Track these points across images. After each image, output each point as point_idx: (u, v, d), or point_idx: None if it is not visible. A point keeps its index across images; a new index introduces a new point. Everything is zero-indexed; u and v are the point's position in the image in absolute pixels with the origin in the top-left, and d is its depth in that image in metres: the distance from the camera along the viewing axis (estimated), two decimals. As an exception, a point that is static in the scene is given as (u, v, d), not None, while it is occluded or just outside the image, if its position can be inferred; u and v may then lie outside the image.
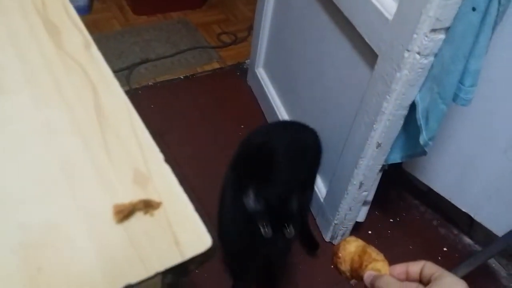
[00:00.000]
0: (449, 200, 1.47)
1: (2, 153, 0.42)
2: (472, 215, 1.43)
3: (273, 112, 1.81)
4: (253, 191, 1.03)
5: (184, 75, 2.09)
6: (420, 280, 0.58)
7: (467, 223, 1.57)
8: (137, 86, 1.97)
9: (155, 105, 1.88)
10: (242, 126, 1.87)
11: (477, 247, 1.55)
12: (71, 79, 0.50)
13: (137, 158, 0.41)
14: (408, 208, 1.67)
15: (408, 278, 0.59)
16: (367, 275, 0.60)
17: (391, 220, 1.61)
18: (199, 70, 2.14)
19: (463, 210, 1.44)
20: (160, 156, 0.41)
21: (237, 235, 1.13)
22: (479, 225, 1.45)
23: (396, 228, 1.58)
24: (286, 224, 1.01)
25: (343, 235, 1.46)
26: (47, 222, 0.35)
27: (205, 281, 1.34)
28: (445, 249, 1.55)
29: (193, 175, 1.56)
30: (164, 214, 0.37)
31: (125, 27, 2.31)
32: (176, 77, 2.07)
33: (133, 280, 0.31)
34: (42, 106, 0.47)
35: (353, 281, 0.65)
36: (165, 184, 0.39)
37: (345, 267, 0.64)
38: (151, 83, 2.01)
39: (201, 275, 1.34)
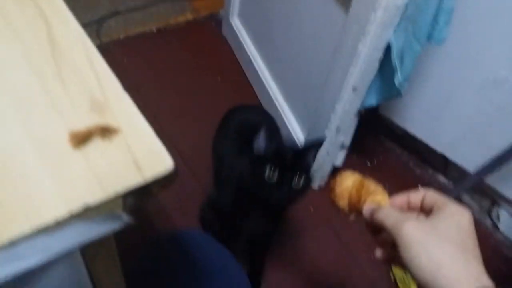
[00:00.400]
0: (424, 141, 1.49)
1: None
2: (446, 155, 1.46)
3: (250, 62, 1.78)
4: (265, 134, 0.97)
5: (157, 27, 2.03)
6: (422, 210, 0.56)
7: (442, 163, 1.61)
8: (108, 40, 1.91)
9: (128, 59, 1.83)
10: (219, 78, 1.84)
11: (452, 186, 1.59)
12: (20, 9, 0.47)
13: (93, 87, 0.40)
14: (385, 152, 1.69)
15: (409, 208, 0.57)
16: (366, 208, 0.58)
17: (368, 163, 1.64)
18: (172, 22, 2.08)
19: (438, 150, 1.47)
20: (118, 85, 0.40)
21: (238, 181, 1.06)
22: (454, 164, 1.49)
23: (374, 171, 1.61)
24: (296, 175, 0.95)
25: (321, 179, 1.48)
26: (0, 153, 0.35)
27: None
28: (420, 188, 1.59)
29: (170, 127, 1.55)
30: (124, 139, 0.36)
31: (92, -21, 2.21)
32: (149, 30, 2.01)
33: (91, 201, 0.31)
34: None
35: (352, 216, 0.63)
36: (124, 111, 0.38)
37: (343, 202, 0.62)
38: (122, 37, 1.95)
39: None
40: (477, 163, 1.29)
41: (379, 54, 1.11)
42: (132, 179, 0.33)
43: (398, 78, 1.11)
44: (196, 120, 1.66)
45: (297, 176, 0.95)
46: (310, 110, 1.39)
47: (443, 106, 1.39)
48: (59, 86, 0.40)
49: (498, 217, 1.52)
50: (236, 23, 1.90)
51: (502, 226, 1.51)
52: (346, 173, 0.64)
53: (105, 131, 0.35)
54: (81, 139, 0.35)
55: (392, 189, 1.65)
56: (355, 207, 0.60)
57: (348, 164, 1.52)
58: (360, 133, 1.41)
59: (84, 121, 0.36)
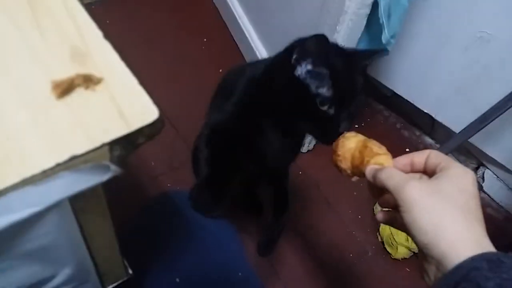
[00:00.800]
0: (412, 102, 1.50)
1: None
2: (433, 116, 1.47)
3: (236, 22, 1.74)
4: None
5: (140, -14, 1.96)
6: (425, 171, 0.55)
7: (429, 124, 1.62)
8: (90, 1, 1.84)
9: (110, 20, 1.76)
10: (205, 39, 1.80)
11: (438, 147, 1.61)
12: None
13: (73, 36, 0.39)
14: (372, 113, 1.70)
15: (412, 170, 0.56)
16: (369, 169, 0.56)
17: (356, 125, 1.64)
18: (155, -20, 2.01)
19: (425, 111, 1.47)
20: (98, 33, 0.39)
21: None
22: (440, 124, 1.50)
23: (362, 133, 1.60)
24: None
25: (310, 142, 1.49)
26: None
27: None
28: (408, 150, 1.61)
29: (155, 91, 1.52)
30: (107, 89, 0.35)
31: None
32: (130, -12, 1.94)
33: (78, 151, 0.30)
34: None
35: (355, 178, 0.62)
36: (106, 60, 0.37)
37: (345, 164, 0.60)
38: (93, -1, 1.88)
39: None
40: (464, 124, 1.30)
41: (366, 11, 1.09)
42: (117, 128, 0.32)
43: (385, 35, 1.10)
44: (183, 82, 1.64)
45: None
46: (298, 71, 1.38)
47: (430, 66, 1.39)
48: (37, 36, 0.38)
49: (483, 178, 1.55)
50: (222, -19, 1.84)
51: (486, 186, 1.55)
52: (349, 134, 0.62)
53: (88, 81, 0.34)
54: (64, 89, 0.33)
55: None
56: (358, 169, 0.59)
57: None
58: (348, 94, 1.41)
59: (66, 71, 0.35)
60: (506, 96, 1.14)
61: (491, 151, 1.43)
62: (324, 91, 0.74)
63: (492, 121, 1.19)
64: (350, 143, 0.60)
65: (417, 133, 1.67)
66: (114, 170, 0.32)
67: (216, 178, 0.96)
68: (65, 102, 0.34)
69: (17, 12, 0.40)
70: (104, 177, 0.31)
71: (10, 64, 0.36)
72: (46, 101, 0.34)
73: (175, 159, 1.40)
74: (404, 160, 0.56)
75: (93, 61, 0.36)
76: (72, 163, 0.29)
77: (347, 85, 0.76)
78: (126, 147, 0.32)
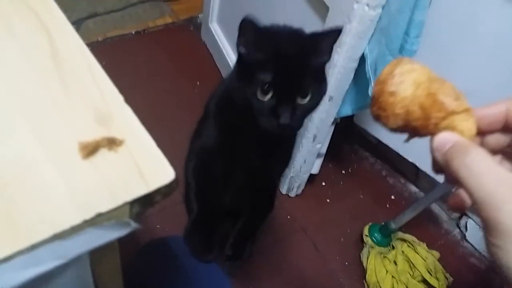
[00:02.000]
0: (396, 151, 1.55)
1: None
2: (417, 165, 1.52)
3: (228, 67, 1.80)
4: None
5: (135, 30, 2.02)
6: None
7: (413, 173, 1.67)
8: (87, 42, 1.87)
9: (106, 61, 1.80)
10: (198, 83, 1.85)
11: (422, 195, 1.66)
12: (23, 22, 0.49)
13: (96, 99, 0.42)
14: (359, 160, 1.74)
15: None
16: (439, 141, 0.36)
17: (343, 171, 1.68)
18: (150, 24, 2.08)
19: (410, 160, 1.52)
20: (120, 97, 0.42)
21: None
22: (424, 174, 1.55)
23: (348, 179, 1.66)
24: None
25: (298, 187, 1.52)
26: (13, 160, 0.37)
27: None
28: (393, 197, 1.65)
29: (149, 132, 1.55)
30: (128, 150, 0.38)
31: (70, -22, 2.19)
32: (127, 32, 2.00)
33: (103, 209, 0.33)
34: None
35: (408, 137, 0.43)
36: (127, 123, 0.41)
37: (395, 122, 0.40)
38: (100, 39, 1.94)
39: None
40: (446, 174, 1.35)
41: (354, 65, 1.15)
42: (138, 188, 0.35)
43: (372, 89, 1.16)
44: (174, 122, 1.67)
45: (303, 91, 0.72)
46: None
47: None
48: (63, 96, 0.41)
49: (466, 227, 1.58)
50: (215, 28, 1.92)
51: (469, 236, 1.58)
52: (404, 68, 0.39)
53: (112, 143, 0.37)
54: (90, 150, 0.37)
55: (366, 197, 1.68)
56: (417, 131, 0.39)
57: (324, 172, 1.56)
58: (336, 141, 1.45)
59: (91, 132, 0.38)
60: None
61: (473, 201, 1.47)
62: (263, 75, 0.71)
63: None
64: (406, 90, 0.38)
65: (402, 181, 1.71)
66: (134, 226, 0.34)
67: (205, 212, 0.97)
68: (90, 162, 0.37)
69: (46, 75, 0.43)
70: (124, 232, 0.34)
71: (40, 121, 0.39)
72: (73, 160, 0.37)
73: (168, 204, 1.41)
74: (495, 109, 0.38)
75: (115, 124, 0.40)
76: (97, 220, 0.32)
77: (291, 70, 0.72)
78: (144, 205, 0.35)
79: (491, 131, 0.39)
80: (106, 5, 2.08)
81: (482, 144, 0.39)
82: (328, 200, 1.58)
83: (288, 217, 1.51)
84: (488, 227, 0.33)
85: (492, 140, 0.39)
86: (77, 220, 0.32)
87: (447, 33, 1.25)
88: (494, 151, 0.39)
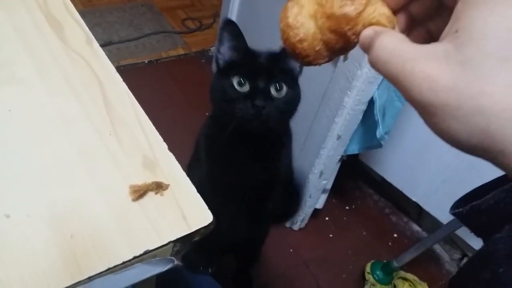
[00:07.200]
0: (400, 190, 1.57)
1: (26, 139, 0.46)
2: (420, 204, 1.54)
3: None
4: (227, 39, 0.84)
5: (148, 59, 2.09)
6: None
7: (416, 212, 1.69)
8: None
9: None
10: (207, 114, 1.89)
11: (425, 234, 1.67)
12: (77, 72, 0.53)
13: (144, 146, 0.46)
14: (363, 197, 1.77)
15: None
16: (361, 43, 0.31)
17: (347, 207, 1.70)
18: (163, 55, 2.14)
19: (413, 199, 1.55)
20: (164, 145, 0.46)
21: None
22: (427, 213, 1.57)
23: (352, 215, 1.68)
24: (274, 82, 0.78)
25: (302, 220, 1.53)
26: (72, 200, 0.41)
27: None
28: (395, 235, 1.66)
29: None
30: (172, 194, 0.42)
31: (87, 7, 2.27)
32: (140, 61, 2.07)
33: (151, 247, 0.36)
34: (54, 97, 0.51)
35: (344, 58, 0.38)
36: (171, 169, 0.45)
37: (323, 58, 0.35)
38: (114, 67, 1.99)
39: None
40: (448, 215, 1.37)
41: (363, 107, 1.19)
42: (180, 229, 0.39)
43: (379, 131, 1.20)
44: (182, 154, 1.70)
45: (276, 83, 0.78)
46: (294, 154, 1.46)
47: (419, 159, 1.48)
48: (116, 143, 0.46)
49: (466, 267, 1.59)
50: (227, 62, 1.97)
51: (469, 276, 1.59)
52: (292, 10, 0.34)
53: (159, 187, 0.41)
54: (140, 193, 0.40)
55: (369, 233, 1.69)
56: (344, 48, 0.34)
57: (328, 207, 1.58)
58: (341, 177, 1.48)
59: (139, 177, 0.42)
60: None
61: (476, 244, 1.49)
62: (240, 69, 0.80)
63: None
64: (306, 26, 0.34)
65: (405, 219, 1.73)
66: (176, 263, 0.37)
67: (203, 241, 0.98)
68: (139, 204, 0.41)
69: (98, 120, 0.47)
70: (166, 267, 0.37)
71: (96, 167, 0.43)
72: (125, 202, 0.41)
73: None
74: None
75: (160, 169, 0.44)
76: (145, 257, 0.35)
77: (266, 65, 0.80)
78: (184, 243, 0.38)
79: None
80: (121, 35, 2.15)
81: (409, 18, 0.35)
82: (331, 235, 1.60)
83: (291, 250, 1.52)
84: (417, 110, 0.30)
85: (414, 8, 0.35)
86: (128, 256, 0.35)
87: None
88: (423, 18, 0.35)
